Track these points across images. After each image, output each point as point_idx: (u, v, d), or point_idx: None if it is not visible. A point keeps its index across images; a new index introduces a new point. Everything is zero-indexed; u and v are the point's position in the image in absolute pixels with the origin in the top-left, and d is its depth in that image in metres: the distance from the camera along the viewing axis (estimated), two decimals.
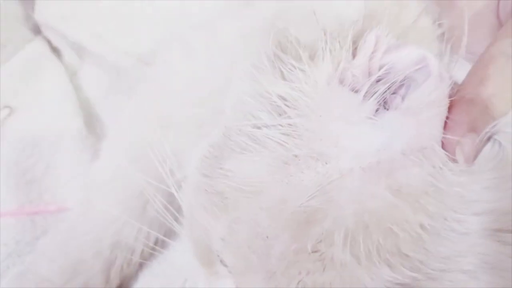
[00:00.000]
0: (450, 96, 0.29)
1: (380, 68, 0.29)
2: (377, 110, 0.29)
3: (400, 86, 0.29)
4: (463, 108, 0.29)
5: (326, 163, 0.28)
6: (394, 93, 0.29)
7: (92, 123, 0.58)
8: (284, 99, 0.29)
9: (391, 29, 0.29)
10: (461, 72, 0.31)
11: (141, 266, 0.47)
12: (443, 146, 0.29)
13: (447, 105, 0.29)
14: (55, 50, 0.63)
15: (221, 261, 0.30)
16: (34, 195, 0.52)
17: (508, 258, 0.27)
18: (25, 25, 0.63)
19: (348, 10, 0.32)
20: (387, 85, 0.29)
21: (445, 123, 0.29)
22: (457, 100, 0.30)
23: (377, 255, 0.26)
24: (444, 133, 0.29)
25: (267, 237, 0.27)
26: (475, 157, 0.28)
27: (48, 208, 0.52)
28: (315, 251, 0.27)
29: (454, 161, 0.28)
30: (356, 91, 0.29)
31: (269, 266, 0.27)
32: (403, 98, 0.29)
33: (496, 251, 0.27)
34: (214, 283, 0.32)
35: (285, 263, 0.27)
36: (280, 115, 0.29)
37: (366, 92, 0.28)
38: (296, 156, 0.28)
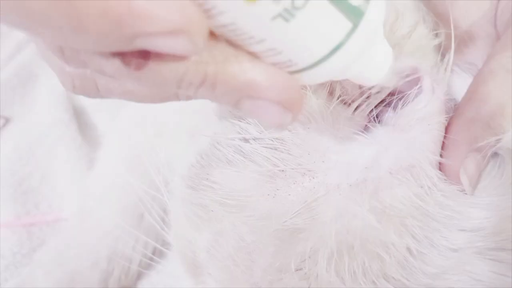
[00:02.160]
0: (447, 113, 0.29)
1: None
2: (368, 124, 0.28)
3: (392, 100, 0.29)
4: (463, 127, 0.28)
5: (313, 178, 0.28)
6: (386, 106, 0.29)
7: (87, 131, 0.58)
8: None
9: (386, 39, 0.29)
10: (458, 83, 0.31)
11: (139, 276, 0.47)
12: (442, 168, 0.28)
13: (443, 122, 0.28)
14: None
15: (208, 273, 0.30)
16: (31, 205, 0.52)
17: (505, 277, 0.26)
18: (16, 33, 0.64)
19: None
20: (378, 99, 0.28)
21: (443, 143, 0.28)
22: (456, 119, 0.29)
23: (362, 277, 0.26)
24: (443, 154, 0.28)
25: (250, 252, 0.27)
26: (479, 178, 0.28)
27: (45, 218, 0.52)
28: (299, 269, 0.27)
29: (447, 181, 0.27)
30: (346, 104, 0.28)
31: (254, 280, 0.27)
32: (395, 113, 0.28)
33: (490, 271, 0.26)
34: None
35: (269, 279, 0.27)
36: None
37: (358, 106, 0.28)
38: (283, 170, 0.28)
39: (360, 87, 0.28)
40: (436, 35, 0.32)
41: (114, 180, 0.47)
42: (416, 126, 0.28)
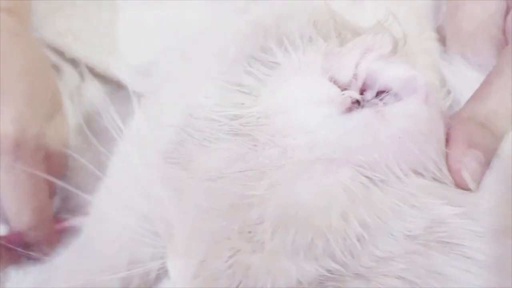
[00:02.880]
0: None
1: (367, 71, 0.29)
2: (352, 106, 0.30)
3: (385, 95, 0.30)
4: (459, 126, 0.29)
5: (283, 152, 0.29)
6: (379, 98, 0.30)
7: (98, 137, 0.58)
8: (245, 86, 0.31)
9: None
10: (461, 80, 0.31)
11: (159, 284, 0.47)
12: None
13: (434, 129, 0.29)
14: (53, 67, 0.63)
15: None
16: None
17: (469, 274, 0.27)
18: None
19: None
20: (373, 90, 0.29)
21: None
22: (455, 119, 0.30)
23: (308, 251, 0.27)
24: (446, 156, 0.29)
25: (208, 211, 0.29)
26: (483, 174, 0.28)
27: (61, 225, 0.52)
28: (249, 232, 0.28)
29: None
30: (340, 87, 0.30)
31: (210, 237, 0.29)
32: (384, 104, 0.29)
33: (448, 264, 0.27)
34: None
35: (218, 237, 0.29)
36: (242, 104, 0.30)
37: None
38: (255, 145, 0.29)
39: (355, 75, 0.30)
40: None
41: (129, 186, 0.48)
42: (396, 119, 0.28)
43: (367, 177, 0.28)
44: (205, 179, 0.30)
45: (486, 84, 0.30)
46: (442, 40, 0.35)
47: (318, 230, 0.27)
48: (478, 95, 0.30)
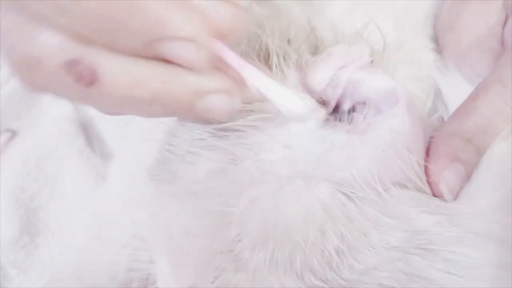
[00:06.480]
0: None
1: (348, 82, 0.30)
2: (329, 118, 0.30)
3: (364, 107, 0.30)
4: (443, 141, 0.30)
5: (261, 166, 0.30)
6: (359, 112, 0.31)
7: (95, 143, 0.59)
8: None
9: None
10: (456, 92, 0.31)
11: None
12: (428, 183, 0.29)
13: (416, 141, 0.29)
14: None
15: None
16: (41, 224, 0.54)
17: (456, 277, 0.27)
18: None
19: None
20: (351, 101, 0.30)
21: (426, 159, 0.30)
22: (439, 132, 0.30)
23: (288, 266, 0.28)
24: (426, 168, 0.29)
25: (193, 232, 0.30)
26: (461, 188, 0.29)
27: None
28: (231, 251, 0.29)
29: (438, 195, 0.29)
30: (323, 102, 0.30)
31: (197, 260, 0.30)
32: (364, 118, 0.30)
33: (429, 267, 0.28)
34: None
35: (203, 259, 0.29)
36: None
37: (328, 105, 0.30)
38: (234, 159, 0.30)
39: (336, 85, 0.31)
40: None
41: (129, 192, 0.49)
42: (380, 134, 0.29)
43: (346, 194, 0.29)
44: (187, 193, 0.31)
45: (472, 99, 0.31)
46: (437, 50, 0.35)
47: (296, 244, 0.28)
48: (464, 109, 0.31)
